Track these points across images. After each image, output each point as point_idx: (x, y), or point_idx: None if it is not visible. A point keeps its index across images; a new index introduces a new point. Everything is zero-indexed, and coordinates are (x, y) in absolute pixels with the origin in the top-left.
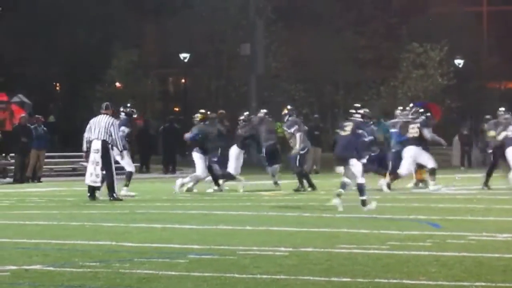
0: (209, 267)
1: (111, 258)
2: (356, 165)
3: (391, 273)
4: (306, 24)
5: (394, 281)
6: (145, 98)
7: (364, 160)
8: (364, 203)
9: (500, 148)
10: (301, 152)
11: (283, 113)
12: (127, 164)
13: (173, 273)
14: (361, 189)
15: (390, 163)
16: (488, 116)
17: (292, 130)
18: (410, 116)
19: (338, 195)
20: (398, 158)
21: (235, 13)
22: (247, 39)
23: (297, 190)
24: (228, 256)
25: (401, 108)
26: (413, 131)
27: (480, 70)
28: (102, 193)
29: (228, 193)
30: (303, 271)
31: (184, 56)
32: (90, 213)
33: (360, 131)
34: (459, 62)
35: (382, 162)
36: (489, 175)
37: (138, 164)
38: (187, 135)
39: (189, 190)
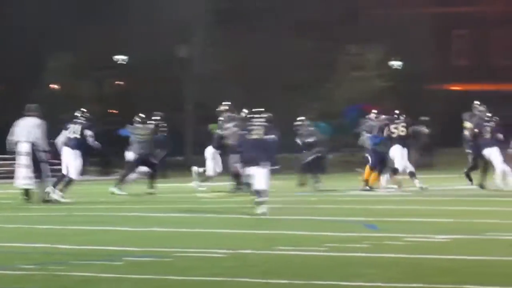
0: (146, 269)
1: (48, 260)
2: (265, 169)
3: (328, 275)
4: (244, 25)
5: (331, 282)
6: (82, 100)
7: (275, 166)
8: (258, 204)
9: (476, 148)
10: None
11: (219, 109)
12: (75, 170)
13: (110, 275)
14: (261, 192)
15: (371, 161)
16: (424, 118)
17: (230, 125)
18: (383, 117)
19: (259, 203)
20: (377, 158)
21: (173, 14)
22: (185, 40)
23: (234, 191)
24: (165, 258)
25: (375, 111)
26: (397, 130)
27: (417, 71)
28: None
29: (166, 195)
30: (241, 273)
31: (121, 58)
32: (26, 216)
33: (271, 136)
34: (396, 64)
35: (320, 164)
36: (468, 175)
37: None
38: (120, 130)
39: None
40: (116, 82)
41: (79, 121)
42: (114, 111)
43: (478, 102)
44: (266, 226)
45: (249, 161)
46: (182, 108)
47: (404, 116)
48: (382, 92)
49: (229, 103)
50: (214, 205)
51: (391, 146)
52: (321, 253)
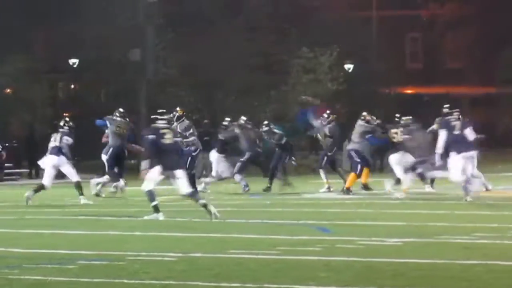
0: (98, 272)
1: (1, 264)
2: (183, 176)
3: (280, 278)
4: (196, 30)
5: (284, 286)
6: (35, 103)
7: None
8: (206, 206)
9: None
10: (193, 154)
11: (174, 115)
12: (73, 174)
13: (62, 279)
14: (193, 195)
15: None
16: (378, 121)
17: (187, 133)
18: (377, 122)
19: (205, 205)
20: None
21: (125, 18)
22: (137, 44)
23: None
24: (118, 262)
25: (365, 113)
26: (396, 135)
27: (370, 74)
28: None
29: (118, 199)
30: (193, 276)
31: (73, 61)
32: None
33: (179, 139)
34: (349, 67)
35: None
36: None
37: (27, 170)
38: (97, 120)
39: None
40: (70, 86)
41: (61, 130)
42: (67, 114)
43: (448, 105)
44: (218, 229)
45: (167, 167)
46: (135, 111)
47: (404, 119)
48: (336, 95)
49: (178, 108)
50: (167, 209)
51: (391, 150)
52: (274, 256)
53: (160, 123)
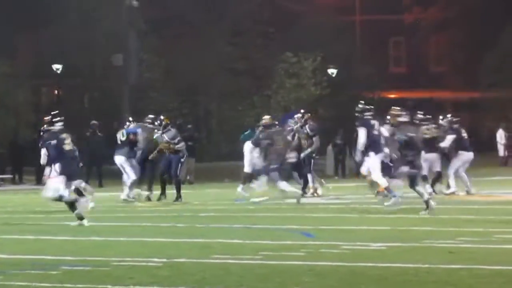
0: (82, 278)
1: None
2: (79, 184)
3: (264, 283)
4: (179, 34)
5: None
6: (18, 109)
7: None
8: (80, 217)
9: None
10: (181, 160)
11: (162, 122)
12: None
13: (46, 284)
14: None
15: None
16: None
17: (176, 140)
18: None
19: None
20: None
21: (108, 23)
22: (120, 49)
23: (176, 200)
24: (102, 267)
25: (302, 110)
26: (429, 131)
27: (354, 79)
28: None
29: (103, 204)
30: (177, 281)
31: (57, 67)
32: None
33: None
34: (332, 71)
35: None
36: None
37: (11, 176)
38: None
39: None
40: (54, 91)
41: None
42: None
43: (363, 102)
44: (202, 235)
45: (68, 175)
46: (118, 117)
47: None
48: (319, 100)
49: (162, 117)
50: (151, 214)
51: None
52: (258, 261)
53: (58, 126)
